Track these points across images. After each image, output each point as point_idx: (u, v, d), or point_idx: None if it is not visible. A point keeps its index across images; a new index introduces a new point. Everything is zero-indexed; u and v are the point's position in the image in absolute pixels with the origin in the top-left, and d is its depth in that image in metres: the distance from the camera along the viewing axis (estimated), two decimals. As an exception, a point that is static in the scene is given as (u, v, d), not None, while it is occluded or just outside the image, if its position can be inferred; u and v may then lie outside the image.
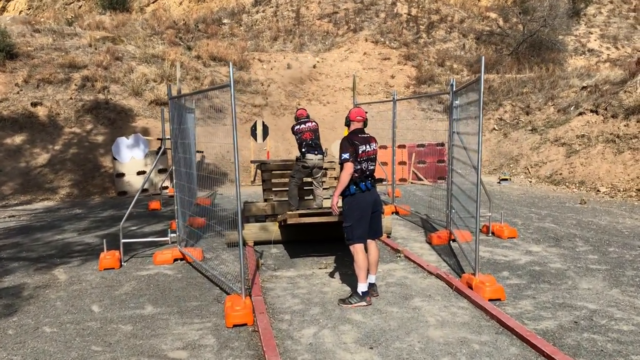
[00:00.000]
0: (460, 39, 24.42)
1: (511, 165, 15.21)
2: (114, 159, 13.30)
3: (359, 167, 4.83)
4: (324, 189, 8.15)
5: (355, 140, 4.85)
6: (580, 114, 14.80)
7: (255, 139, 13.76)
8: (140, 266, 6.50)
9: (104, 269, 6.33)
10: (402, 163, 14.39)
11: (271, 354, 3.79)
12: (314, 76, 20.58)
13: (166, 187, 12.21)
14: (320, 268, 6.23)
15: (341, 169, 4.86)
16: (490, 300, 4.87)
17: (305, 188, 8.08)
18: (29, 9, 29.10)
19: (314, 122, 7.67)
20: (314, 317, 4.65)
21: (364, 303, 4.85)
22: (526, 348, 3.94)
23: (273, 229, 7.36)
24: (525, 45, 22.68)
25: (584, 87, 16.08)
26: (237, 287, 4.90)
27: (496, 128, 17.30)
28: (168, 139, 7.36)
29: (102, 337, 4.34)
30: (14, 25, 18.68)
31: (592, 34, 25.01)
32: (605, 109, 13.99)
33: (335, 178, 8.49)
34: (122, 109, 15.76)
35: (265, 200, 8.34)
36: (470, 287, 5.13)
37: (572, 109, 15.49)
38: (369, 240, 5.02)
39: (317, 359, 3.85)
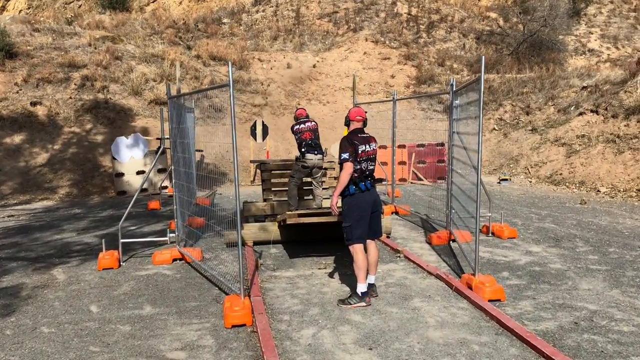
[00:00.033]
0: (461, 38, 24.41)
1: (511, 165, 15.19)
2: (114, 158, 13.29)
3: (358, 167, 4.81)
4: (323, 188, 8.14)
5: (354, 140, 4.83)
6: (581, 114, 14.78)
7: (255, 139, 13.74)
8: (139, 266, 6.48)
9: (103, 269, 6.31)
10: (402, 163, 14.37)
11: (270, 355, 3.78)
12: (314, 76, 20.56)
13: (165, 187, 12.20)
14: (319, 268, 6.22)
15: (341, 168, 4.84)
16: (490, 300, 4.85)
17: (304, 188, 8.07)
18: (29, 8, 29.09)
19: (314, 121, 7.65)
20: (313, 318, 4.63)
21: (363, 303, 4.83)
22: (526, 349, 3.92)
23: (272, 229, 7.34)
24: (526, 45, 22.66)
25: (584, 87, 16.06)
26: (236, 288, 4.88)
27: (496, 128, 17.29)
28: (167, 138, 7.34)
29: (100, 338, 4.33)
30: (13, 25, 18.67)
31: (592, 34, 24.99)
32: (606, 109, 13.97)
33: (335, 178, 8.47)
34: (122, 109, 15.74)
35: (265, 200, 8.32)
36: (470, 288, 5.12)
37: (572, 109, 15.48)
38: (368, 241, 5.00)
39: (316, 360, 3.83)
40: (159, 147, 8.35)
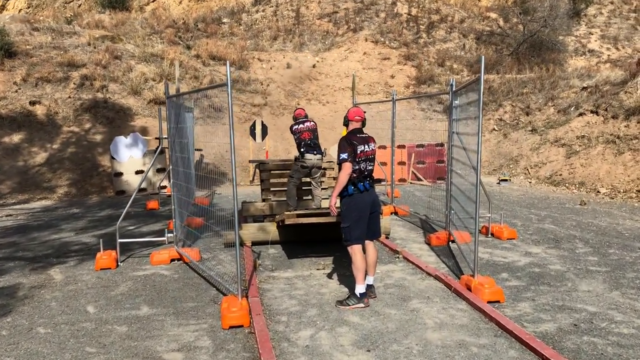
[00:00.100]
0: (461, 39, 24.38)
1: (511, 166, 15.16)
2: (112, 158, 13.25)
3: (357, 167, 4.78)
4: (322, 189, 8.11)
5: (353, 140, 4.80)
6: (581, 114, 14.75)
7: (254, 139, 13.71)
8: (136, 266, 6.45)
9: (101, 269, 6.28)
10: (402, 163, 14.34)
11: (267, 357, 3.75)
12: (314, 76, 20.53)
13: (164, 187, 12.17)
14: (318, 269, 6.19)
15: (339, 169, 4.81)
16: (489, 302, 4.83)
17: (303, 188, 8.04)
18: (29, 7, 29.06)
19: (313, 121, 7.63)
20: (311, 319, 4.60)
21: (361, 305, 4.81)
22: (525, 351, 3.89)
23: (271, 230, 7.31)
24: (526, 45, 22.64)
25: (584, 88, 16.04)
26: (234, 288, 4.85)
27: (496, 128, 17.26)
28: (165, 138, 7.30)
29: (97, 339, 4.30)
30: (12, 24, 18.63)
31: (592, 34, 24.97)
32: (606, 110, 13.95)
33: (334, 178, 8.44)
34: (121, 108, 15.71)
35: (264, 200, 8.30)
36: (469, 289, 5.09)
37: (572, 109, 15.45)
38: (367, 241, 4.98)
39: (314, 362, 3.81)
40: (158, 147, 8.32)
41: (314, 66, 20.95)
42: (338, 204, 4.98)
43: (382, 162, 11.82)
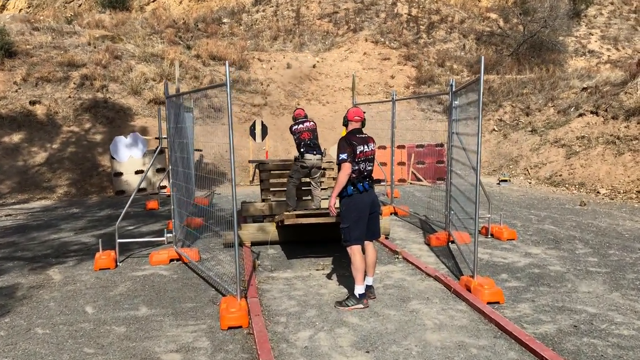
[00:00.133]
0: (461, 39, 24.37)
1: (511, 167, 15.15)
2: (112, 158, 13.24)
3: (356, 167, 4.77)
4: (322, 189, 8.10)
5: (353, 141, 4.79)
6: (581, 115, 14.74)
7: (254, 139, 13.70)
8: (135, 266, 6.44)
9: (100, 269, 6.27)
10: (401, 163, 14.33)
11: (266, 357, 3.74)
12: (314, 76, 20.52)
13: (164, 187, 12.15)
14: (317, 269, 6.18)
15: (339, 169, 4.80)
16: (488, 303, 4.81)
17: (303, 188, 8.03)
18: (29, 7, 29.05)
19: (312, 121, 7.62)
20: (310, 320, 4.59)
21: (361, 305, 4.79)
22: (525, 352, 3.88)
23: (270, 230, 7.30)
24: (526, 46, 22.63)
25: (584, 88, 16.02)
26: (233, 289, 4.84)
27: (496, 129, 17.25)
28: (165, 138, 7.29)
29: (95, 339, 4.28)
30: (13, 24, 18.62)
31: (592, 35, 24.96)
32: (606, 110, 13.94)
33: (334, 178, 8.42)
34: (121, 108, 15.70)
35: (263, 201, 8.29)
36: (469, 290, 5.08)
37: (572, 110, 15.44)
38: (366, 242, 4.96)
39: (313, 363, 3.79)
40: (157, 147, 8.31)
41: (314, 66, 20.94)
42: (337, 205, 4.97)
43: (381, 163, 11.80)
